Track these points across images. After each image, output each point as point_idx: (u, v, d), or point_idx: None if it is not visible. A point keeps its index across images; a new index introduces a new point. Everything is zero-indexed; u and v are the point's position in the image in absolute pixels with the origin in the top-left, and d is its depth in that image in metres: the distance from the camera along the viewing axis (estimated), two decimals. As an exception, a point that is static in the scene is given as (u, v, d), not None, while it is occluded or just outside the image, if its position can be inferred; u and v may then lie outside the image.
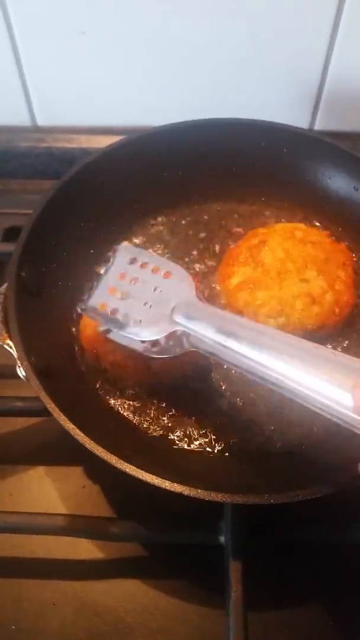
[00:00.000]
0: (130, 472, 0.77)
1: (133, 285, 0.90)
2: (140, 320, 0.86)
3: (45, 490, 1.04)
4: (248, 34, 1.23)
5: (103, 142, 1.33)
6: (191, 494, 0.77)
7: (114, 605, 0.93)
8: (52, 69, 1.31)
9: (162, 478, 0.78)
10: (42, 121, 1.43)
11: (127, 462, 0.79)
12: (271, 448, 0.96)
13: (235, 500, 0.78)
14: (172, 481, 0.78)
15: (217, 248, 1.17)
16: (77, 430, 0.80)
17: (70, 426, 0.80)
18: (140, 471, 0.77)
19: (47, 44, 1.26)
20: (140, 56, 1.28)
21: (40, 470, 1.05)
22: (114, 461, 0.78)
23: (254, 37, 1.23)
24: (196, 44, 1.25)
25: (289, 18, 1.19)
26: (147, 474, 0.77)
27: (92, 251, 1.14)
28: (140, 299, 0.88)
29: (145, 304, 0.88)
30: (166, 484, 0.77)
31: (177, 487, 0.77)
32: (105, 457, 0.79)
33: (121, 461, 0.78)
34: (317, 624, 0.91)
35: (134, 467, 0.77)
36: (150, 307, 0.87)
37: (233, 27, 1.21)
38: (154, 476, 0.77)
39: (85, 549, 0.97)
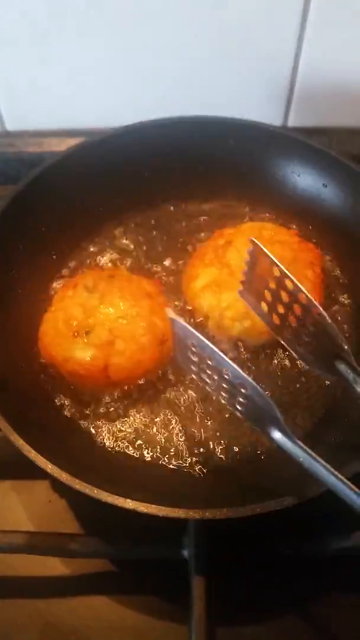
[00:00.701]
0: (82, 490, 0.74)
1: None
2: None
3: (11, 505, 1.01)
4: (216, 30, 1.20)
5: (74, 144, 1.32)
6: (146, 511, 0.74)
7: (80, 624, 0.90)
8: (19, 73, 1.29)
9: (118, 494, 0.75)
10: (11, 126, 1.41)
11: (79, 478, 0.76)
12: (233, 459, 0.93)
13: (191, 516, 0.74)
14: (130, 497, 0.75)
15: (184, 249, 1.14)
16: (27, 447, 0.78)
17: (20, 443, 0.78)
18: (100, 490, 0.74)
19: (10, 48, 1.23)
20: (107, 57, 1.25)
21: (5, 484, 1.02)
22: (64, 478, 0.75)
23: (222, 33, 1.20)
24: (162, 42, 1.22)
25: (257, 13, 1.17)
26: (106, 494, 0.74)
27: (54, 257, 1.11)
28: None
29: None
30: (119, 501, 0.74)
31: (129, 504, 0.74)
32: (55, 474, 0.76)
33: (72, 478, 0.75)
34: (288, 638, 0.88)
35: (84, 484, 0.74)
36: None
37: (200, 23, 1.19)
38: (106, 493, 0.74)
39: (50, 566, 0.94)
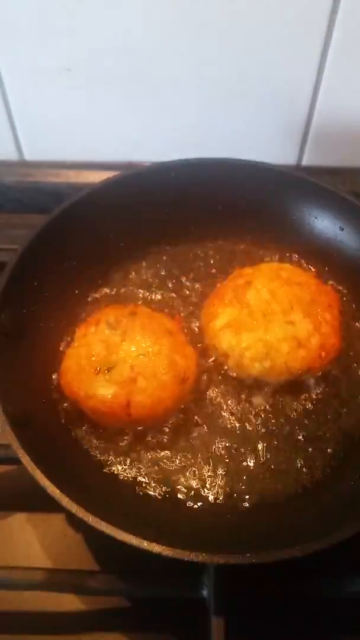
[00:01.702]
0: (107, 532, 0.75)
1: None
2: None
3: (26, 538, 1.02)
4: (234, 69, 1.23)
5: (90, 177, 1.35)
6: (167, 554, 0.75)
7: (95, 660, 0.90)
8: (38, 104, 1.31)
9: (140, 536, 0.76)
10: (29, 156, 1.43)
11: (103, 519, 0.76)
12: (258, 500, 0.94)
13: (215, 561, 0.75)
14: (151, 539, 0.76)
15: (201, 288, 1.15)
16: (53, 487, 0.78)
17: (45, 483, 0.78)
18: (117, 530, 0.75)
19: (33, 80, 1.26)
20: (126, 92, 1.28)
21: (21, 517, 1.03)
22: (89, 520, 0.76)
23: (240, 72, 1.23)
24: (182, 80, 1.25)
25: (275, 53, 1.19)
26: (125, 534, 0.75)
27: (76, 292, 1.13)
28: None
29: None
30: (144, 544, 0.75)
31: (155, 547, 0.74)
32: (80, 515, 0.76)
33: (98, 520, 0.76)
34: None
35: (110, 526, 0.75)
36: None
37: (219, 62, 1.22)
38: (131, 536, 0.75)
39: (67, 601, 0.94)
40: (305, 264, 1.17)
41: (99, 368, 0.95)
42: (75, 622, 0.94)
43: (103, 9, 1.13)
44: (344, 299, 1.12)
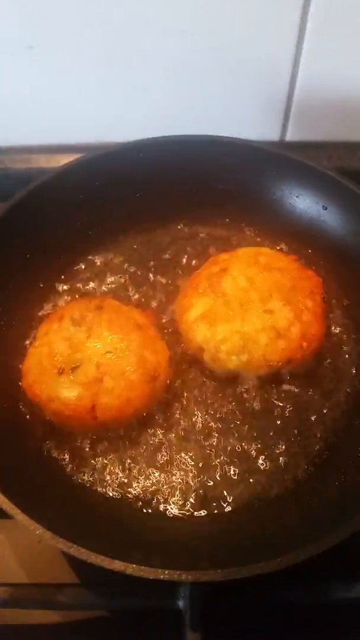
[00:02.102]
0: (73, 554, 0.69)
1: None
2: None
3: (-1, 545, 0.96)
4: (211, 44, 1.15)
5: (62, 161, 1.26)
6: (139, 574, 0.69)
7: None
8: (2, 87, 1.23)
9: (105, 553, 0.70)
10: (-4, 141, 1.35)
11: (64, 535, 0.71)
12: (239, 506, 0.88)
13: (185, 579, 0.69)
14: (115, 555, 0.70)
15: (175, 277, 1.08)
16: (7, 502, 0.72)
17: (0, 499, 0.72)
18: (84, 551, 0.70)
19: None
20: (96, 71, 1.20)
21: (-7, 524, 0.97)
22: (48, 538, 0.70)
23: (217, 47, 1.15)
24: (156, 55, 1.17)
25: (253, 27, 1.11)
26: (91, 554, 0.69)
27: (40, 285, 1.06)
28: None
29: None
30: (115, 565, 0.69)
31: (130, 569, 0.69)
32: (37, 531, 0.70)
33: (56, 537, 0.70)
34: None
35: (76, 547, 0.69)
36: None
37: (194, 37, 1.13)
38: (101, 556, 0.69)
39: (40, 613, 0.89)
40: (286, 247, 1.09)
41: (62, 368, 0.88)
42: (50, 634, 0.89)
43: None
44: (328, 283, 1.04)
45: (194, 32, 1.13)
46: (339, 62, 1.17)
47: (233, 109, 1.27)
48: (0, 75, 1.21)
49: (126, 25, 1.12)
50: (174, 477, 0.90)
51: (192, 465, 0.91)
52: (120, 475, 0.90)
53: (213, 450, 0.92)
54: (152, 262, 1.11)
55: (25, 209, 1.02)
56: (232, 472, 0.90)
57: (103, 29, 1.12)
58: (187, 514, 0.87)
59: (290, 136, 1.32)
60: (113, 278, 1.09)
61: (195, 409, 0.95)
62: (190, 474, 0.90)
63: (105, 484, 0.89)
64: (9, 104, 1.26)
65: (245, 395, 0.96)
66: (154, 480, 0.89)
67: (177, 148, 1.09)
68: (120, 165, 1.09)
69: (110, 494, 0.88)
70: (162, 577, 0.69)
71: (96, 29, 1.12)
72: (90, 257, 1.11)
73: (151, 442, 0.92)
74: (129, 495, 0.88)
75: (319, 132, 1.30)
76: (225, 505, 0.88)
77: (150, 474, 0.90)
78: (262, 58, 1.17)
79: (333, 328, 1.02)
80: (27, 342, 0.98)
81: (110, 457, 0.91)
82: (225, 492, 0.89)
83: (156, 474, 0.90)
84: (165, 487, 0.89)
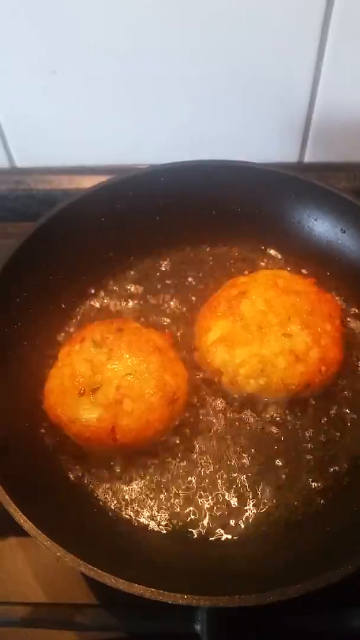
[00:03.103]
0: (93, 576, 0.70)
1: None
2: None
3: (17, 564, 0.97)
4: (229, 66, 1.17)
5: (83, 183, 1.30)
6: (157, 598, 0.70)
7: None
8: (25, 109, 1.27)
9: (122, 576, 0.71)
10: (20, 162, 1.38)
11: (83, 557, 0.72)
12: (255, 531, 0.88)
13: (202, 603, 0.69)
14: (134, 578, 0.71)
15: (195, 299, 1.09)
16: (30, 524, 0.73)
17: (21, 518, 0.74)
18: (102, 573, 0.70)
19: (19, 85, 1.21)
20: (116, 95, 1.23)
21: (11, 541, 0.98)
22: (68, 559, 0.71)
23: (235, 69, 1.17)
24: (176, 80, 1.19)
25: (271, 49, 1.13)
26: (110, 577, 0.70)
27: (62, 306, 1.08)
28: None
29: None
30: (134, 588, 0.70)
31: (148, 593, 0.69)
32: (56, 552, 0.72)
33: (76, 559, 0.71)
34: None
35: (89, 566, 0.70)
36: None
37: (213, 61, 1.16)
38: (121, 580, 0.70)
39: (58, 633, 0.90)
40: (305, 270, 1.10)
41: (82, 389, 0.90)
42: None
43: (86, 8, 1.07)
44: (346, 307, 1.04)
45: (213, 56, 1.15)
46: (357, 83, 1.18)
47: (252, 131, 1.28)
48: (25, 98, 1.24)
49: (146, 50, 1.14)
50: (193, 501, 0.90)
51: (210, 489, 0.91)
52: (141, 498, 0.91)
53: (231, 474, 0.92)
54: (172, 285, 1.12)
55: (50, 231, 1.05)
56: (250, 497, 0.90)
57: (123, 54, 1.15)
58: (206, 538, 0.87)
59: (308, 158, 1.33)
60: (133, 300, 1.10)
61: (213, 431, 0.96)
62: (210, 498, 0.90)
63: (125, 506, 0.90)
64: (33, 126, 1.30)
65: (263, 419, 0.96)
66: (174, 504, 0.90)
67: (196, 172, 1.11)
68: (141, 189, 1.11)
69: (130, 517, 0.89)
70: (180, 601, 0.69)
71: (116, 54, 1.15)
72: (110, 279, 1.12)
73: (170, 465, 0.93)
74: (149, 519, 0.89)
75: (337, 153, 1.31)
76: (244, 530, 0.88)
77: (169, 498, 0.90)
78: (281, 80, 1.19)
79: (352, 351, 1.02)
80: (50, 362, 1.00)
81: (130, 479, 0.92)
82: (244, 517, 0.89)
83: (175, 498, 0.90)
84: (185, 511, 0.89)
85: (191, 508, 0.90)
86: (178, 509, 0.90)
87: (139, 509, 0.90)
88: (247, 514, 0.89)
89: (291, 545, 0.85)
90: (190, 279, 1.13)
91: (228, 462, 0.93)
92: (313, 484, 0.91)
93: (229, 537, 0.87)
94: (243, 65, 1.16)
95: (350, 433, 0.95)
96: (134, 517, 0.89)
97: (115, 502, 0.90)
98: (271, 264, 1.12)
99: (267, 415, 0.97)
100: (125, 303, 1.10)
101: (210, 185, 1.11)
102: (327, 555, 0.77)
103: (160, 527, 0.88)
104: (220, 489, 0.91)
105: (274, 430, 0.96)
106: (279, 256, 1.14)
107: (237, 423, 0.97)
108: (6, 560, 0.97)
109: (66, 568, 0.95)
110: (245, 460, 0.93)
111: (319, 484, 0.91)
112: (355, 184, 1.28)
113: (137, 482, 0.92)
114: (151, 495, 0.91)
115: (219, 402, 0.98)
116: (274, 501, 0.90)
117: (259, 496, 0.90)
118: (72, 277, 1.09)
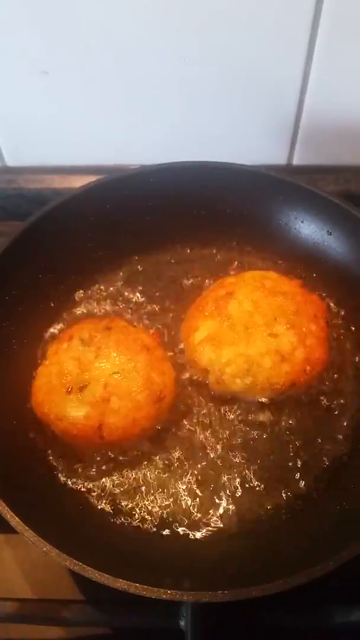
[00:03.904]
0: (78, 571, 0.71)
1: None
2: None
3: (4, 561, 0.98)
4: (220, 68, 1.18)
5: (75, 182, 1.30)
6: (142, 593, 0.71)
7: None
8: (17, 109, 1.27)
9: (108, 571, 0.72)
10: (11, 162, 1.39)
11: (68, 552, 0.73)
12: (240, 527, 0.89)
13: (190, 600, 0.71)
14: (119, 573, 0.72)
15: (183, 298, 1.10)
16: (17, 520, 0.74)
17: (8, 514, 0.74)
18: (87, 568, 0.71)
19: (10, 84, 1.22)
20: (108, 95, 1.23)
21: (-1, 538, 0.99)
22: (54, 554, 0.72)
23: (226, 72, 1.18)
24: (164, 80, 1.20)
25: (260, 51, 1.14)
26: (95, 572, 0.71)
27: (51, 305, 1.08)
28: None
29: None
30: (119, 583, 0.71)
31: (124, 585, 0.70)
32: (43, 548, 0.72)
33: (62, 554, 0.72)
34: None
35: (74, 561, 0.71)
36: None
37: (203, 63, 1.16)
38: (106, 575, 0.71)
39: (44, 629, 0.91)
40: (292, 271, 1.11)
41: (70, 387, 0.90)
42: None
43: (78, 7, 1.08)
44: (332, 307, 1.05)
45: (203, 58, 1.16)
46: (346, 86, 1.19)
47: (242, 133, 1.30)
48: (16, 98, 1.25)
49: (138, 51, 1.15)
50: (178, 498, 0.91)
51: (195, 487, 0.92)
52: (126, 495, 0.92)
53: (216, 471, 0.93)
54: (159, 284, 1.13)
55: (40, 230, 1.05)
56: (235, 494, 0.92)
57: (115, 54, 1.16)
58: (191, 534, 0.88)
59: (297, 160, 1.34)
60: (121, 299, 1.11)
61: (199, 430, 0.97)
62: (193, 495, 0.91)
63: (111, 503, 0.91)
64: (24, 125, 1.30)
65: (248, 418, 0.98)
66: (159, 501, 0.91)
67: (186, 174, 1.12)
68: (131, 189, 1.12)
69: (116, 513, 0.90)
70: (164, 596, 0.71)
71: (108, 55, 1.16)
72: (99, 278, 1.13)
73: (155, 463, 0.94)
74: (135, 516, 0.90)
75: (326, 156, 1.33)
76: (227, 526, 0.89)
77: (154, 495, 0.92)
78: (270, 83, 1.20)
79: (337, 352, 1.03)
80: (38, 361, 1.00)
81: (117, 477, 0.93)
82: (228, 513, 0.90)
83: (161, 495, 0.91)
84: (169, 508, 0.90)
85: (176, 505, 0.91)
86: (163, 506, 0.91)
87: (124, 506, 0.91)
88: (230, 512, 0.90)
89: (274, 543, 0.86)
90: (178, 279, 1.14)
91: (213, 461, 0.94)
92: (296, 482, 0.92)
93: (213, 534, 0.88)
94: (234, 68, 1.17)
95: (333, 433, 0.97)
96: (119, 514, 0.90)
97: (101, 499, 0.91)
98: (259, 265, 1.13)
99: (252, 415, 0.98)
100: (113, 302, 1.10)
101: (200, 187, 1.12)
102: (310, 553, 0.78)
103: (146, 523, 0.89)
104: (204, 486, 0.92)
105: (259, 429, 0.97)
106: (267, 257, 1.15)
107: (222, 422, 0.98)
108: (-7, 556, 0.98)
109: (53, 564, 0.96)
110: (230, 459, 0.95)
111: (302, 483, 0.92)
112: (343, 187, 1.29)
113: (122, 479, 0.93)
114: (137, 492, 0.92)
115: (205, 400, 0.99)
116: (258, 499, 0.91)
117: (243, 494, 0.92)
118: (61, 276, 1.10)
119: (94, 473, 0.93)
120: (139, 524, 0.89)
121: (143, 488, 0.92)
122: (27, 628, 0.90)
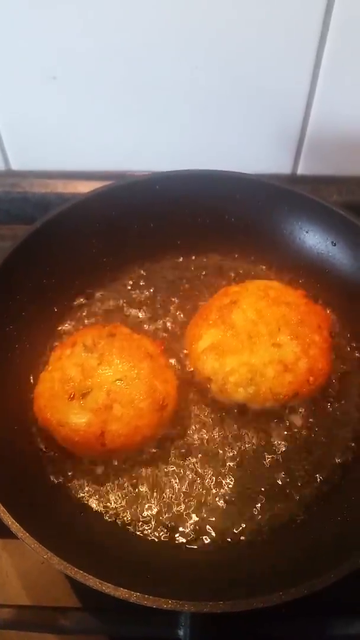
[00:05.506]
0: (80, 580, 0.71)
1: None
2: None
3: (1, 566, 0.97)
4: (228, 79, 1.18)
5: (79, 187, 1.31)
6: (142, 603, 0.70)
7: None
8: (24, 113, 1.28)
9: (111, 582, 0.71)
10: (16, 165, 1.39)
11: (66, 558, 0.72)
12: (239, 537, 0.88)
13: (190, 610, 0.70)
14: (124, 583, 0.72)
15: (187, 306, 1.10)
16: (18, 526, 0.74)
17: (8, 519, 0.74)
18: (89, 577, 0.71)
19: (18, 89, 1.22)
20: (115, 102, 1.24)
21: (-4, 543, 0.99)
22: (53, 561, 0.71)
23: (234, 82, 1.19)
24: (172, 88, 1.21)
25: (268, 62, 1.15)
26: (96, 580, 0.71)
27: (55, 310, 1.08)
28: None
29: None
30: (119, 592, 0.70)
31: (134, 597, 0.70)
32: (41, 554, 0.72)
33: (59, 560, 0.71)
34: None
35: (84, 573, 0.71)
36: None
37: (211, 72, 1.17)
38: (106, 583, 0.71)
39: (41, 636, 0.90)
40: (295, 281, 1.11)
41: (72, 394, 0.90)
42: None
43: (88, 15, 1.09)
44: (335, 318, 1.06)
45: (212, 68, 1.16)
46: (351, 97, 1.20)
47: (248, 142, 1.30)
48: (24, 102, 1.25)
49: (146, 58, 1.16)
50: (178, 507, 0.91)
51: (196, 496, 0.92)
52: (127, 503, 0.91)
53: (216, 481, 0.93)
54: (163, 292, 1.13)
55: (45, 235, 1.05)
56: (235, 504, 0.91)
57: (123, 61, 1.16)
58: (191, 544, 0.88)
59: (301, 170, 1.35)
60: (125, 306, 1.11)
61: (201, 438, 0.97)
62: (194, 503, 0.91)
63: (111, 511, 0.91)
64: (30, 129, 1.31)
65: (250, 427, 0.98)
66: (159, 510, 0.91)
67: (191, 182, 1.12)
68: (136, 196, 1.12)
69: (117, 521, 0.90)
70: (164, 606, 0.70)
71: (116, 62, 1.16)
72: (103, 285, 1.13)
73: (157, 471, 0.94)
74: (136, 524, 0.89)
75: (330, 166, 1.33)
76: (228, 536, 0.88)
77: (155, 503, 0.91)
78: (277, 93, 1.20)
79: (340, 364, 1.03)
80: (41, 366, 1.00)
81: (117, 484, 0.92)
82: (228, 524, 0.90)
83: (161, 503, 0.91)
84: (169, 516, 0.90)
85: (177, 514, 0.90)
86: (164, 515, 0.90)
87: (126, 514, 0.90)
88: (232, 522, 0.90)
89: (276, 554, 0.85)
90: (182, 287, 1.14)
91: (215, 469, 0.94)
92: (297, 493, 0.92)
93: (214, 543, 0.88)
94: (242, 78, 1.18)
95: (335, 443, 0.97)
96: (120, 522, 0.90)
97: (101, 506, 0.91)
98: (263, 275, 1.14)
99: (254, 424, 0.98)
100: (117, 309, 1.10)
101: (205, 195, 1.13)
102: (311, 564, 0.78)
103: (147, 532, 0.89)
104: (206, 495, 0.92)
105: (261, 439, 0.97)
106: (271, 267, 1.15)
107: (224, 431, 0.97)
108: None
109: (51, 571, 0.96)
110: (232, 468, 0.94)
111: (303, 493, 0.92)
112: (347, 197, 1.30)
113: (124, 487, 0.92)
114: (138, 501, 0.91)
115: (207, 409, 0.99)
116: (260, 509, 0.91)
117: (245, 504, 0.91)
118: (65, 282, 1.10)
119: (95, 480, 0.93)
120: (139, 532, 0.89)
121: (144, 496, 0.91)
122: (23, 635, 0.90)
